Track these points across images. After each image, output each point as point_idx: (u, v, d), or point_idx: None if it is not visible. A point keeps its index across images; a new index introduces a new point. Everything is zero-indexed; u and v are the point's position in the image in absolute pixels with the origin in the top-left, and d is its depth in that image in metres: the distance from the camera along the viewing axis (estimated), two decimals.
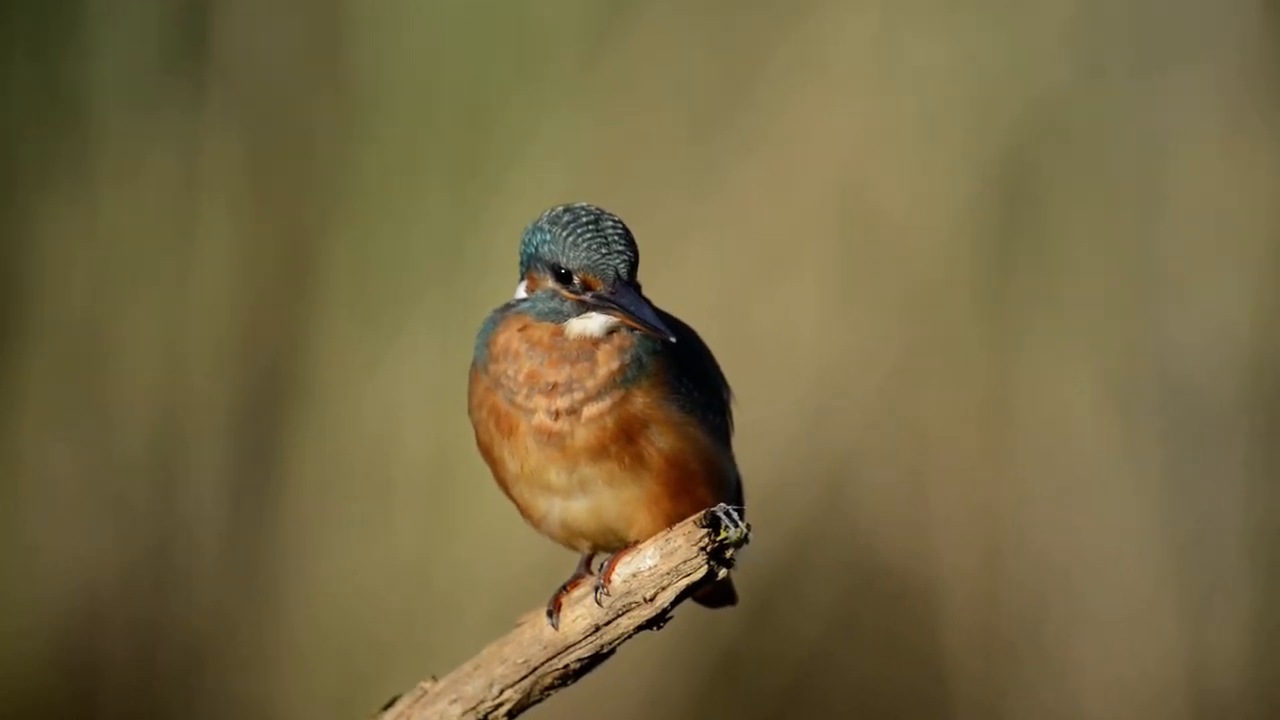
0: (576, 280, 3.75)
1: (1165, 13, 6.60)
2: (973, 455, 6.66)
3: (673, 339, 3.73)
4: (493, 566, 6.56)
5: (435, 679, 3.95)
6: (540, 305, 3.78)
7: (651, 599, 3.74)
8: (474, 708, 3.88)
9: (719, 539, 3.70)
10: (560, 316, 3.76)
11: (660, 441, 3.75)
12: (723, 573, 3.71)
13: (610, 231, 3.75)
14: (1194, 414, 6.57)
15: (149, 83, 6.61)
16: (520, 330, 3.78)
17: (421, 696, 3.94)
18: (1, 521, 6.56)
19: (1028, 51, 6.66)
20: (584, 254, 3.74)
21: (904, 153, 6.68)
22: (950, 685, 6.63)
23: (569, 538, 3.84)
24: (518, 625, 3.89)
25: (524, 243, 3.81)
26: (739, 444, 3.96)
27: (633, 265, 3.75)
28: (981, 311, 6.66)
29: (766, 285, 6.67)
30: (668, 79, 6.73)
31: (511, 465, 3.79)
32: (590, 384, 3.73)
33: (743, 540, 3.71)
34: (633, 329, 3.75)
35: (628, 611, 3.77)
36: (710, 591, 3.85)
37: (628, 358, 3.75)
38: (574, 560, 3.92)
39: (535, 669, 3.85)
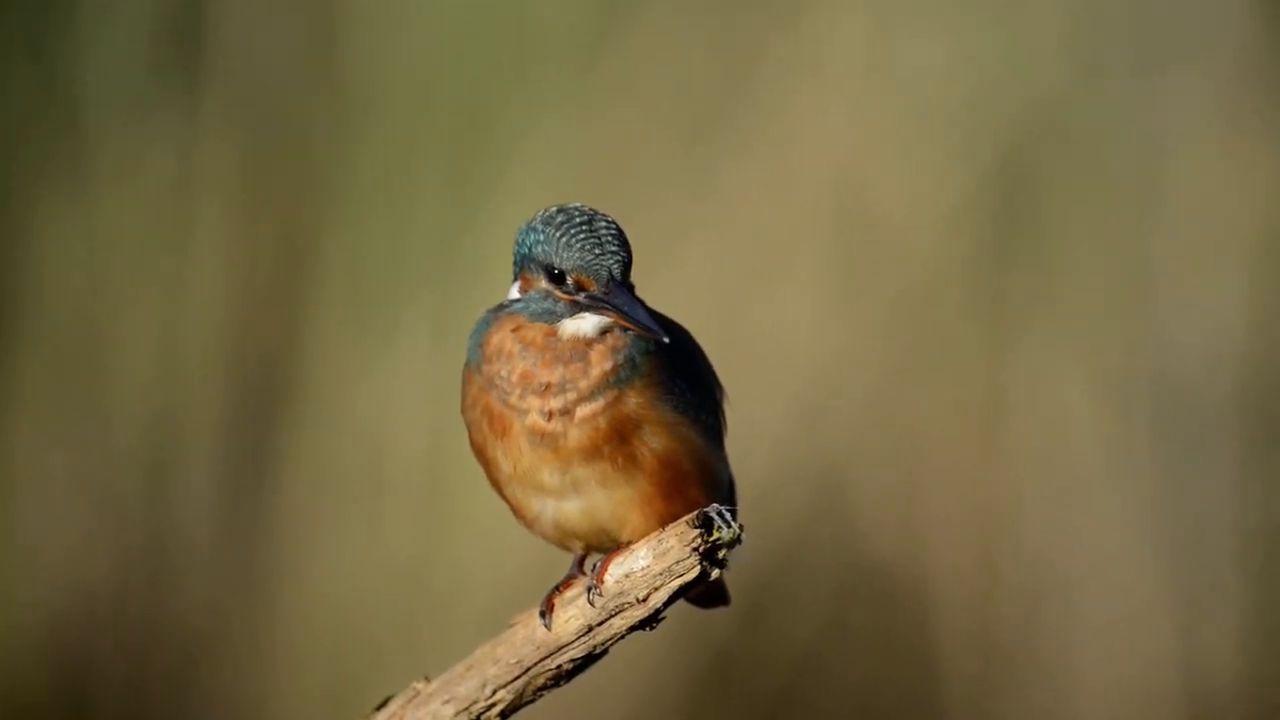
0: (570, 281, 3.75)
1: (1162, 13, 6.61)
2: (967, 456, 6.66)
3: (666, 339, 3.73)
4: (486, 567, 6.56)
5: (428, 679, 3.95)
6: (534, 306, 3.78)
7: (644, 599, 3.74)
8: (467, 708, 3.88)
9: (712, 539, 3.70)
10: (554, 317, 3.76)
11: (653, 442, 3.75)
12: (715, 573, 3.71)
13: (604, 232, 3.75)
14: (1189, 415, 6.58)
15: (145, 84, 6.61)
16: (514, 331, 3.78)
17: (414, 697, 3.94)
18: None
19: (1023, 51, 6.66)
20: (577, 254, 3.74)
21: (899, 153, 6.68)
22: (943, 686, 6.63)
23: (562, 538, 3.84)
24: (511, 625, 3.89)
25: (517, 243, 3.81)
26: (732, 444, 3.96)
27: (626, 266, 3.75)
28: (976, 312, 6.67)
29: (761, 286, 6.68)
30: (663, 80, 6.73)
31: (505, 466, 3.79)
32: (583, 384, 3.73)
33: (735, 541, 3.71)
34: (626, 329, 3.75)
35: (620, 612, 3.77)
36: (703, 592, 3.85)
37: (621, 358, 3.75)
38: (567, 561, 3.93)
39: (528, 669, 3.85)
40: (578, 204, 3.80)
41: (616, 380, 3.74)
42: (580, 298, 3.75)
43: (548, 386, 3.74)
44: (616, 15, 6.74)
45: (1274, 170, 6.59)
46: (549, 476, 3.76)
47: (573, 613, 3.81)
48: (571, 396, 3.73)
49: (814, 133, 6.69)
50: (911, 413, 6.67)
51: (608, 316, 3.74)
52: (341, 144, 6.70)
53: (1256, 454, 6.57)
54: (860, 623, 6.67)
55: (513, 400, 3.75)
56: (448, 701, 3.90)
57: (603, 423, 3.73)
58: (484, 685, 3.88)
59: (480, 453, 3.83)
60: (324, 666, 6.60)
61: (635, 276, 3.77)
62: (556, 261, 3.76)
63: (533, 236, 3.78)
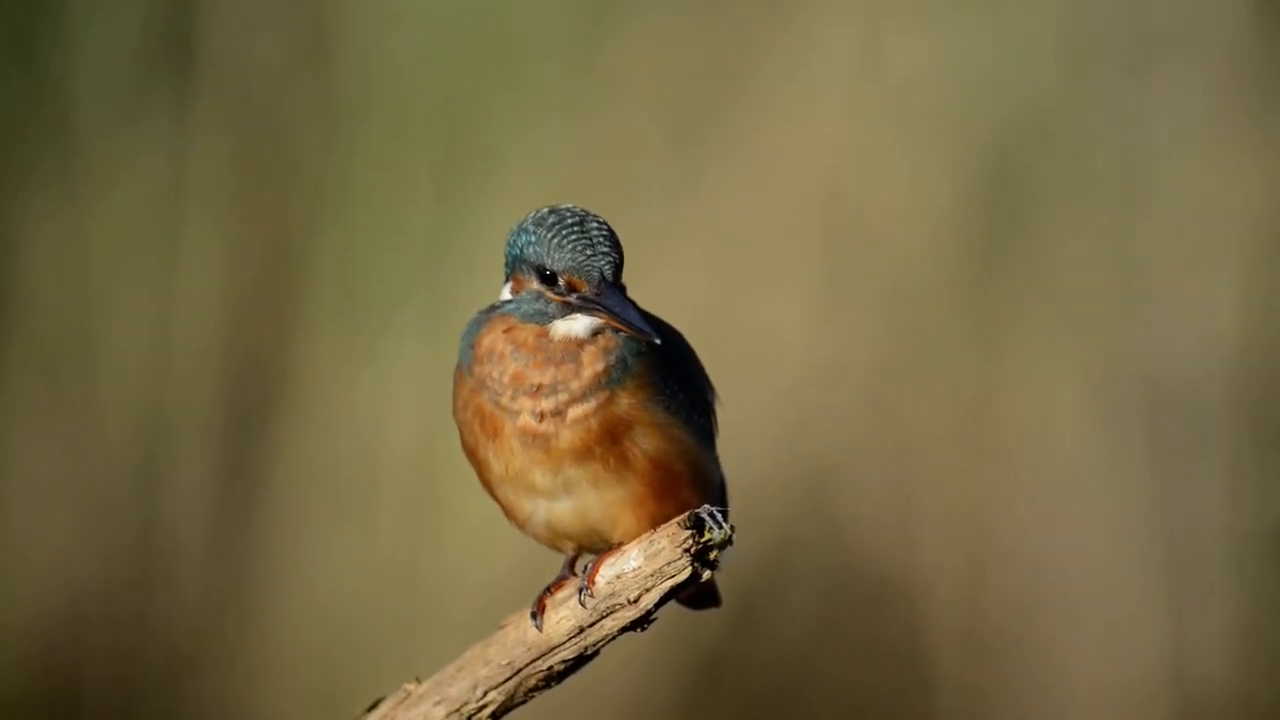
0: (561, 282, 3.75)
1: (1151, 15, 6.61)
2: (956, 458, 6.66)
3: (657, 340, 3.73)
4: (477, 568, 6.56)
5: (419, 680, 3.95)
6: (525, 307, 3.78)
7: (635, 601, 3.74)
8: (458, 709, 3.88)
9: (703, 541, 3.70)
10: (545, 318, 3.76)
11: (645, 443, 3.75)
12: (706, 574, 3.72)
13: (595, 233, 3.75)
14: (1180, 416, 6.58)
15: (136, 87, 6.61)
16: (505, 332, 3.78)
17: (405, 698, 3.94)
18: None
19: (1013, 53, 6.67)
20: (569, 255, 3.74)
21: (890, 155, 6.68)
22: (934, 688, 6.63)
23: (553, 539, 3.84)
24: (502, 627, 3.89)
25: (509, 244, 3.81)
26: (723, 446, 3.97)
27: (618, 267, 3.75)
28: (965, 314, 6.67)
29: (752, 287, 6.68)
30: (654, 82, 6.73)
31: (496, 467, 3.79)
32: (575, 385, 3.73)
33: (727, 542, 3.71)
34: (617, 330, 3.75)
35: (612, 613, 3.77)
36: (694, 593, 3.85)
37: (612, 359, 3.75)
38: (558, 562, 3.92)
39: (519, 671, 3.86)
40: (569, 205, 3.80)
41: (608, 381, 3.74)
42: (572, 299, 3.75)
43: (539, 388, 3.74)
44: (607, 17, 6.74)
45: (1264, 171, 6.59)
46: (541, 477, 3.76)
47: (564, 614, 3.81)
48: (563, 398, 3.73)
49: (805, 134, 6.70)
50: (902, 414, 6.67)
51: (599, 317, 3.74)
52: (332, 146, 6.70)
53: (1247, 455, 6.58)
54: (851, 624, 6.67)
55: (504, 401, 3.75)
56: (439, 703, 3.90)
57: (594, 424, 3.73)
58: (475, 686, 3.88)
59: (472, 454, 3.83)
60: (315, 667, 6.59)
61: (626, 277, 3.77)
62: (548, 262, 3.76)
63: (524, 237, 3.78)
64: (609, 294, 3.73)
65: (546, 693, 3.90)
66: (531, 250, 3.77)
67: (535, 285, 3.77)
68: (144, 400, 6.60)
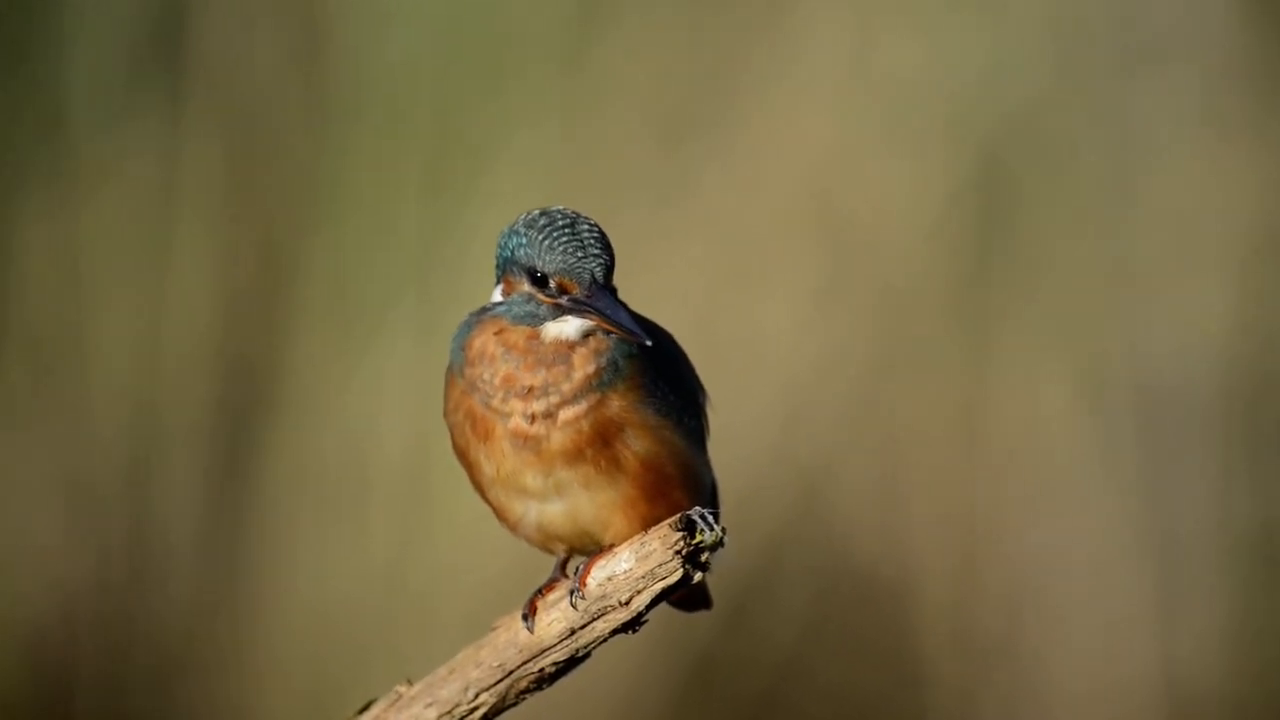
0: (552, 284, 3.75)
1: (1141, 18, 6.62)
2: (947, 459, 6.67)
3: (648, 342, 3.73)
4: (468, 569, 6.56)
5: (410, 682, 3.95)
6: (516, 309, 3.78)
7: (627, 602, 3.74)
8: (449, 711, 3.88)
9: (694, 543, 3.70)
10: (536, 320, 3.76)
11: (636, 445, 3.75)
12: (698, 576, 3.72)
13: (586, 235, 3.75)
14: (1171, 418, 6.58)
15: (127, 89, 6.60)
16: (496, 334, 3.78)
17: (397, 700, 3.94)
18: None
19: (1004, 54, 6.67)
20: (560, 258, 3.74)
21: (880, 156, 6.68)
22: (924, 689, 6.64)
23: (545, 541, 3.84)
24: (493, 629, 3.89)
25: (500, 246, 3.81)
26: (714, 447, 3.97)
27: (609, 269, 3.75)
28: (956, 315, 6.67)
29: (741, 290, 6.68)
30: (643, 84, 6.73)
31: (488, 469, 3.79)
32: (566, 387, 3.74)
33: (718, 544, 3.71)
34: (609, 332, 3.75)
35: (603, 615, 3.77)
36: (685, 595, 3.86)
37: (604, 361, 3.75)
38: (549, 564, 3.92)
39: (511, 673, 3.86)
40: (560, 207, 3.80)
41: (599, 383, 3.74)
42: (563, 301, 3.75)
43: (530, 389, 3.74)
44: (596, 19, 6.74)
45: (1255, 173, 6.60)
46: (532, 479, 3.76)
47: (555, 616, 3.81)
48: (554, 400, 3.73)
49: (795, 135, 6.70)
50: (892, 416, 6.68)
51: (590, 319, 3.74)
52: (323, 148, 6.69)
53: (1238, 456, 6.58)
54: (842, 625, 6.67)
55: (495, 403, 3.75)
56: (430, 704, 3.90)
57: (585, 426, 3.73)
58: (466, 688, 3.88)
59: (463, 456, 3.83)
60: (306, 669, 6.59)
61: (617, 279, 3.77)
62: (539, 264, 3.76)
63: (515, 239, 3.78)
64: (600, 296, 3.74)
65: (538, 695, 3.90)
66: (522, 252, 3.77)
67: (526, 287, 3.77)
68: (135, 400, 6.59)
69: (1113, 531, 6.59)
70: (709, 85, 6.73)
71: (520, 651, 3.84)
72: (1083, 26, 6.65)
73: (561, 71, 6.74)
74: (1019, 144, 6.67)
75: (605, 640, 3.80)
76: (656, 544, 3.71)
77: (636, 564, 3.72)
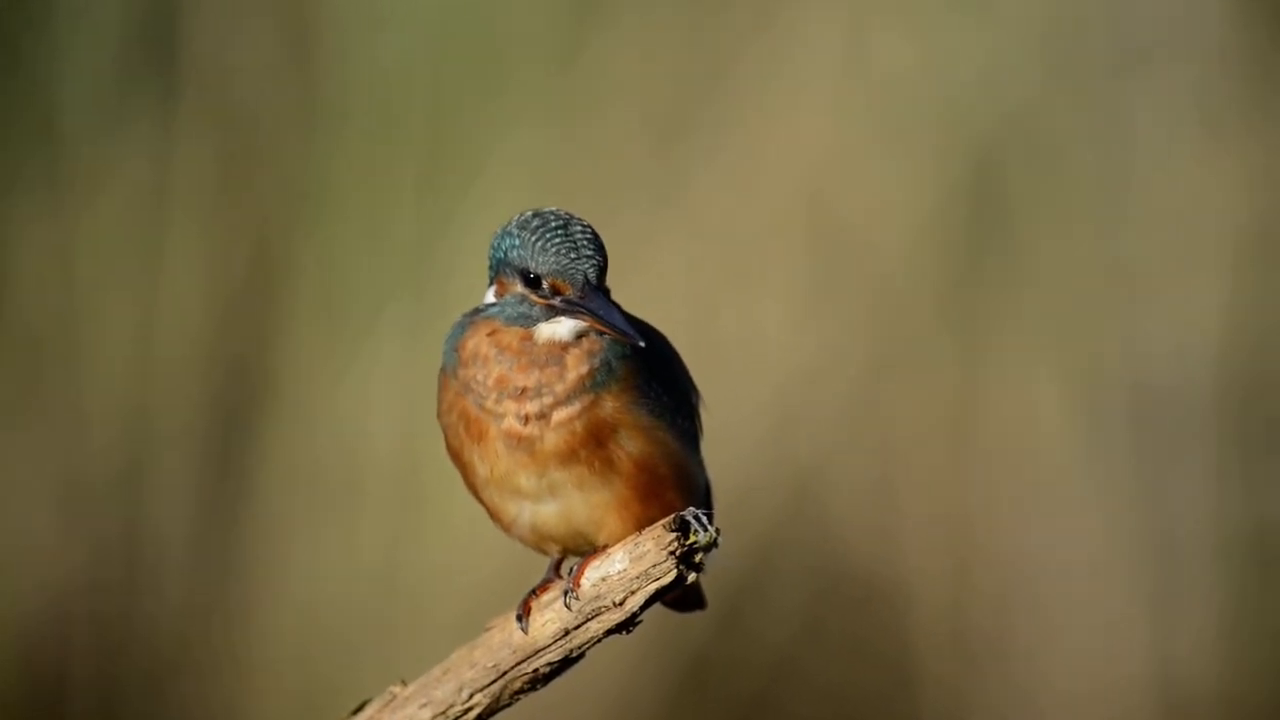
0: (545, 285, 3.75)
1: (1136, 17, 6.62)
2: (940, 460, 6.67)
3: (642, 343, 3.73)
4: (462, 570, 6.56)
5: (404, 683, 3.95)
6: (509, 310, 3.78)
7: (621, 603, 3.74)
8: (443, 712, 3.88)
9: (688, 543, 3.70)
10: (529, 321, 3.76)
11: (629, 445, 3.76)
12: (691, 577, 3.72)
13: (579, 236, 3.75)
14: (1164, 418, 6.59)
15: (120, 92, 6.60)
16: (489, 335, 3.78)
17: (391, 701, 3.94)
18: None
19: (997, 55, 6.67)
20: (553, 259, 3.74)
21: (872, 157, 6.69)
22: (917, 690, 6.64)
23: (538, 542, 3.85)
24: (487, 629, 3.89)
25: (493, 247, 3.81)
26: (708, 448, 3.97)
27: (602, 270, 3.75)
28: (948, 316, 6.68)
29: (734, 291, 6.68)
30: (636, 85, 6.73)
31: (481, 470, 3.79)
32: (559, 388, 3.74)
33: (712, 544, 3.71)
34: (602, 333, 3.75)
35: (597, 615, 3.77)
36: (679, 596, 3.86)
37: (597, 362, 3.75)
38: (543, 564, 3.92)
39: (505, 673, 3.85)
40: (553, 208, 3.80)
41: (593, 384, 3.74)
42: (556, 302, 3.75)
43: (524, 390, 3.74)
44: (589, 21, 6.74)
45: (1248, 173, 6.61)
46: (525, 480, 3.76)
47: (549, 616, 3.81)
48: (548, 400, 3.73)
49: (789, 135, 6.70)
50: (886, 417, 6.68)
51: (583, 320, 3.74)
52: (316, 150, 6.69)
53: (1232, 456, 6.58)
54: (836, 626, 6.68)
55: (489, 404, 3.75)
56: (424, 705, 3.89)
57: (579, 427, 3.73)
58: (461, 689, 3.88)
59: (456, 457, 3.83)
60: (299, 669, 6.59)
61: (612, 280, 3.77)
62: (532, 265, 3.76)
63: (508, 241, 3.78)
64: (593, 297, 3.74)
65: (532, 695, 3.90)
66: (515, 253, 3.77)
67: (519, 288, 3.77)
68: (129, 403, 6.59)
69: (1107, 532, 6.60)
70: (703, 86, 6.73)
71: (514, 652, 3.84)
72: (1076, 27, 6.65)
73: (554, 72, 6.74)
74: (1013, 144, 6.67)
75: (599, 641, 3.81)
76: (650, 545, 3.71)
77: (630, 565, 3.72)
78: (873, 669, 6.66)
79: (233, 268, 6.63)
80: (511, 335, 3.76)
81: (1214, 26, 6.58)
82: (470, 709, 3.87)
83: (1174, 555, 6.57)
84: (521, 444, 3.74)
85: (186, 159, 6.61)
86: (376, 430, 6.61)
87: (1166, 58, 6.60)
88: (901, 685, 6.65)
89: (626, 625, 3.77)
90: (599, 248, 3.75)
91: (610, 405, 3.75)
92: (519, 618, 3.83)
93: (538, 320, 3.76)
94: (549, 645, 3.82)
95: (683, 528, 3.70)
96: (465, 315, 3.86)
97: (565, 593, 3.77)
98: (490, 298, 3.83)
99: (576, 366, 3.74)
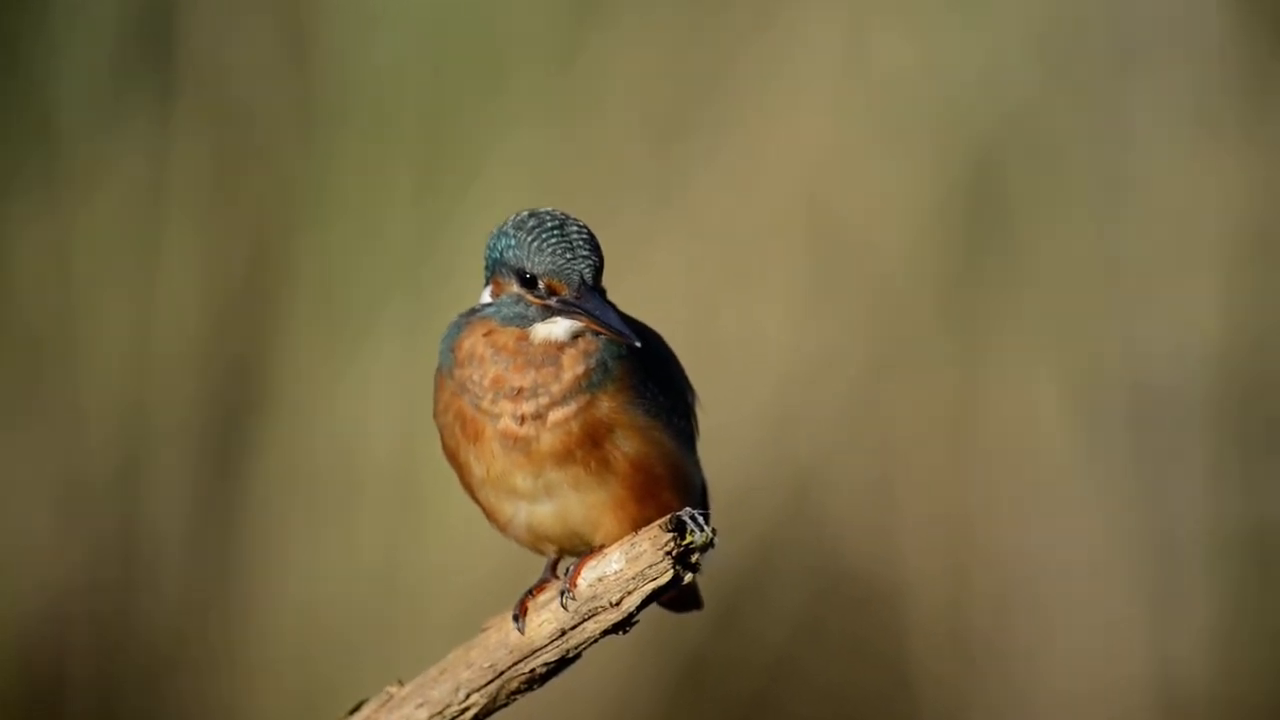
0: (541, 285, 3.75)
1: (1133, 17, 6.62)
2: (939, 460, 6.67)
3: (638, 343, 3.73)
4: (458, 570, 6.55)
5: (401, 683, 3.95)
6: (505, 310, 3.77)
7: (617, 603, 3.74)
8: (440, 712, 3.88)
9: (684, 543, 3.70)
10: (525, 321, 3.76)
11: (626, 446, 3.75)
12: (688, 577, 3.72)
13: (575, 236, 3.75)
14: (1162, 418, 6.59)
15: (117, 90, 6.60)
16: (485, 335, 3.78)
17: (388, 701, 3.94)
18: None
19: (995, 55, 6.67)
20: (549, 259, 3.74)
21: (871, 156, 6.68)
22: (916, 690, 6.64)
23: (535, 542, 3.84)
24: (484, 629, 3.89)
25: (489, 247, 3.81)
26: (704, 449, 3.96)
27: (598, 270, 3.75)
28: (947, 317, 6.67)
29: (732, 291, 6.68)
30: (634, 85, 6.73)
31: (477, 470, 3.79)
32: (555, 389, 3.73)
33: (708, 545, 3.71)
34: (598, 334, 3.75)
35: (594, 616, 3.77)
36: (676, 596, 3.85)
37: (593, 362, 3.75)
38: (540, 564, 3.92)
39: (501, 673, 3.85)
40: (549, 208, 3.80)
41: (589, 384, 3.74)
42: (552, 302, 3.75)
43: (520, 391, 3.74)
44: (589, 21, 6.74)
45: (1246, 172, 6.60)
46: (522, 480, 3.76)
47: (546, 616, 3.81)
48: (544, 401, 3.73)
49: (788, 135, 6.70)
50: (884, 417, 6.67)
51: (580, 321, 3.74)
52: (312, 148, 6.69)
53: (1230, 456, 6.58)
54: (833, 626, 6.67)
55: (485, 405, 3.75)
56: (421, 705, 3.89)
57: (575, 427, 3.73)
58: (457, 689, 3.88)
59: (453, 457, 3.83)
60: (297, 669, 6.59)
61: (607, 281, 3.77)
62: (528, 266, 3.75)
63: (504, 241, 3.78)
64: (589, 297, 3.73)
65: (529, 695, 3.89)
66: (511, 253, 3.77)
67: (515, 288, 3.77)
68: (126, 402, 6.59)
69: (1106, 532, 6.60)
70: (703, 86, 6.73)
71: (511, 652, 3.84)
72: (1075, 27, 6.65)
73: (552, 72, 6.74)
74: (1012, 144, 6.67)
75: (596, 641, 3.80)
76: (647, 545, 3.71)
77: (627, 565, 3.72)
78: (872, 669, 6.66)
79: (231, 266, 6.62)
80: (507, 335, 3.76)
81: (1213, 27, 6.58)
82: (467, 709, 3.87)
83: (1173, 555, 6.57)
84: (517, 444, 3.74)
85: (184, 157, 6.60)
86: (374, 430, 6.61)
87: (1166, 58, 6.60)
88: (900, 685, 6.64)
89: (623, 625, 3.77)
90: (595, 248, 3.75)
91: (606, 405, 3.74)
92: (516, 618, 3.83)
93: (534, 320, 3.76)
94: (546, 645, 3.81)
95: (679, 528, 3.69)
96: (461, 315, 3.86)
97: (562, 593, 3.77)
98: (486, 298, 3.83)
99: (572, 367, 3.74)
